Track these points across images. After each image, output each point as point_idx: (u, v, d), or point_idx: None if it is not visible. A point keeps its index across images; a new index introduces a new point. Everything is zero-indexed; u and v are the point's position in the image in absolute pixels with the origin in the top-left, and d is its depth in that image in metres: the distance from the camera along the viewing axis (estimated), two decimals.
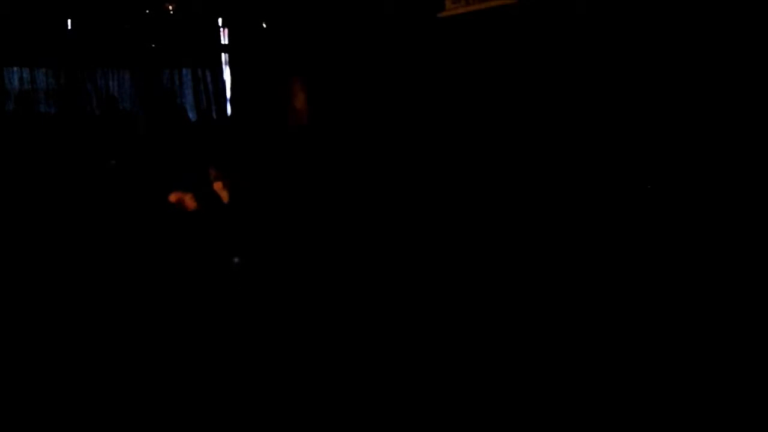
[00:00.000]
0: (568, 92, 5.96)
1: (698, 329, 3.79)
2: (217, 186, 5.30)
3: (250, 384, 3.36)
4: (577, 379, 3.26)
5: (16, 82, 7.83)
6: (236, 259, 5.58)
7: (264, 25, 8.09)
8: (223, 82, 9.23)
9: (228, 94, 9.28)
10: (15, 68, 7.80)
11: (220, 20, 9.09)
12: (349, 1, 8.04)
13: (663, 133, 5.36)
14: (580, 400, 3.07)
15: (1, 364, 3.64)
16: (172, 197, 5.13)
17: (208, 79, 9.07)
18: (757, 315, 3.83)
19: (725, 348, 3.52)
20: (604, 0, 5.71)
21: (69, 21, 7.97)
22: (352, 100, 8.11)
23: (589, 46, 5.79)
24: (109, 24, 8.09)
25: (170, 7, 7.40)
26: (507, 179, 6.44)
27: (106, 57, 8.27)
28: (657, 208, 5.18)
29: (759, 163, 4.75)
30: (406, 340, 3.87)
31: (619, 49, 5.61)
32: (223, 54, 9.25)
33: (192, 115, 9.02)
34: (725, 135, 5.03)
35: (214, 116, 9.14)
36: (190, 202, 5.14)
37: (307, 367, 3.55)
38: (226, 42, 9.23)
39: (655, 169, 5.38)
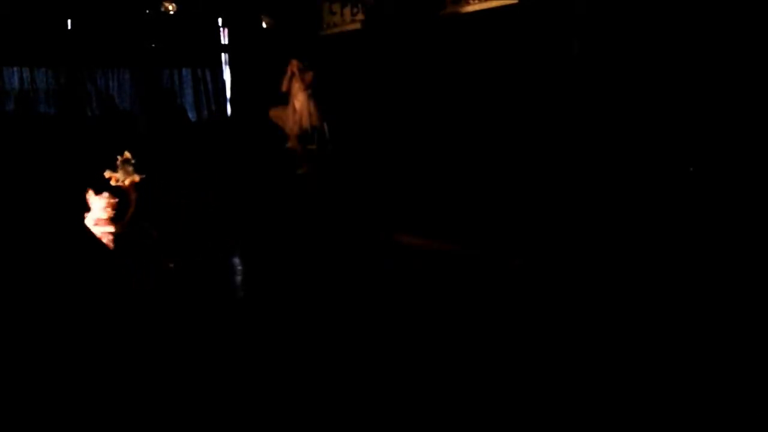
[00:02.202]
0: (568, 89, 5.96)
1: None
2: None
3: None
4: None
5: (16, 82, 7.82)
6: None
7: (264, 25, 8.08)
8: (223, 82, 9.23)
9: (228, 94, 9.28)
10: (15, 68, 7.79)
11: (220, 20, 9.09)
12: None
13: (657, 125, 5.38)
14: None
15: None
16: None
17: (208, 79, 9.06)
18: None
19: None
20: (603, 0, 5.72)
21: (69, 21, 7.96)
22: (354, 98, 8.11)
23: (589, 45, 5.79)
24: (109, 24, 8.07)
25: (170, 7, 7.39)
26: (507, 173, 6.44)
27: (106, 57, 8.26)
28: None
29: None
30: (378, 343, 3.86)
31: (619, 47, 5.61)
32: (223, 54, 9.25)
33: (192, 115, 9.01)
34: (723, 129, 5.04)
35: (214, 116, 9.14)
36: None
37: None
38: (226, 42, 9.22)
39: (639, 160, 5.40)
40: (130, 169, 5.11)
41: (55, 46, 7.86)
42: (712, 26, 5.04)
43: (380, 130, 7.86)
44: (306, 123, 7.29)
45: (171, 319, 4.59)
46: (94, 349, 3.84)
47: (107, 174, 5.07)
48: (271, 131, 7.72)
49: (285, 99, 7.36)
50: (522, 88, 6.35)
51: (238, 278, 5.58)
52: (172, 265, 5.24)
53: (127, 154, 5.11)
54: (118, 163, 5.09)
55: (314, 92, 7.29)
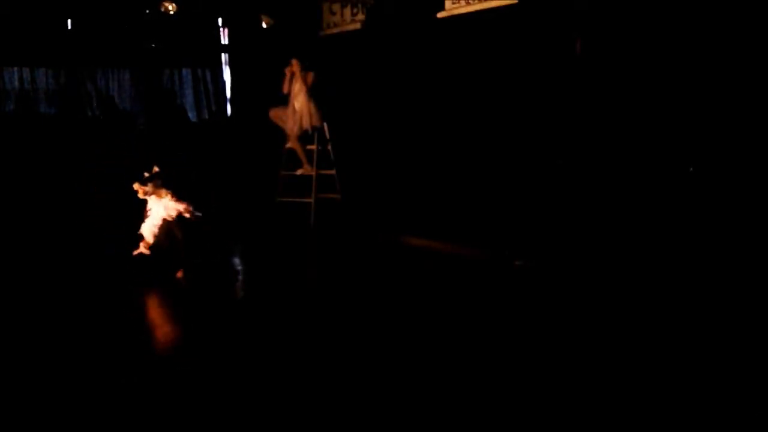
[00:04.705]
0: (570, 89, 5.96)
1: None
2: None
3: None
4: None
5: (16, 82, 7.81)
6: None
7: (264, 25, 8.07)
8: (223, 82, 9.22)
9: (228, 94, 9.28)
10: (15, 68, 7.79)
11: (220, 20, 9.08)
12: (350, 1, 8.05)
13: (658, 125, 5.39)
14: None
15: None
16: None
17: (208, 79, 9.06)
18: None
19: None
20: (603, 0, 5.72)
21: (69, 21, 7.96)
22: (354, 98, 8.12)
23: (591, 45, 5.79)
24: (109, 24, 8.07)
25: (170, 7, 7.38)
26: (508, 173, 6.46)
27: (106, 57, 8.26)
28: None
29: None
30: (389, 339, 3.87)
31: (621, 47, 5.62)
32: (223, 54, 9.25)
33: (192, 115, 9.01)
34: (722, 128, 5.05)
35: (214, 116, 9.14)
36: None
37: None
38: (226, 42, 9.22)
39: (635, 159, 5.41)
40: (159, 182, 5.12)
41: (55, 46, 7.86)
42: (713, 26, 5.04)
43: (381, 131, 7.86)
44: (306, 123, 7.28)
45: (174, 319, 4.60)
46: (94, 347, 3.84)
47: (135, 186, 5.08)
48: (271, 131, 7.72)
49: (285, 99, 7.36)
50: (524, 88, 6.36)
51: (240, 279, 5.57)
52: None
53: (156, 168, 5.13)
54: (147, 176, 5.10)
55: (314, 92, 7.28)
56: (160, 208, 5.15)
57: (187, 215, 5.19)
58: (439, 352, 3.65)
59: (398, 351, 3.69)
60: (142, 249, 5.21)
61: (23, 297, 4.83)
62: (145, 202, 5.18)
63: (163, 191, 5.12)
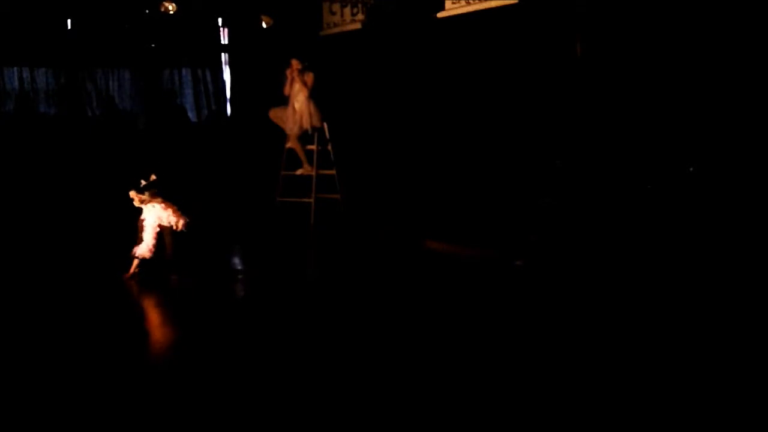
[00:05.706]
0: (571, 90, 5.97)
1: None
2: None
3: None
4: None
5: (16, 82, 7.82)
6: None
7: (264, 25, 8.08)
8: (223, 82, 9.23)
9: (228, 94, 9.28)
10: (15, 68, 7.80)
11: (220, 20, 9.09)
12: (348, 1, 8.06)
13: (658, 125, 5.39)
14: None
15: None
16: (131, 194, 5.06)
17: (208, 79, 9.07)
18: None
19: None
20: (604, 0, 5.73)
21: (69, 21, 7.97)
22: (353, 99, 8.12)
23: (590, 46, 5.80)
24: (109, 24, 8.08)
25: (170, 7, 7.38)
26: (509, 172, 6.46)
27: (106, 57, 8.27)
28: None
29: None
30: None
31: (619, 49, 5.62)
32: (223, 54, 9.25)
33: (192, 115, 9.02)
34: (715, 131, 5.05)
35: (214, 116, 9.15)
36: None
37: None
38: (226, 42, 9.23)
39: (648, 164, 5.41)
40: (156, 191, 5.06)
41: (55, 46, 7.87)
42: (713, 27, 5.05)
43: (381, 131, 7.87)
44: (306, 123, 7.27)
45: (173, 321, 4.59)
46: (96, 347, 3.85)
47: (131, 194, 5.00)
48: (271, 131, 7.72)
49: (285, 99, 7.36)
50: (524, 89, 6.36)
51: (240, 279, 5.57)
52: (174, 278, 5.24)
53: (153, 177, 5.07)
54: (144, 185, 5.04)
55: (314, 92, 7.28)
56: (154, 217, 5.10)
57: (176, 228, 5.13)
58: (439, 352, 3.65)
59: (398, 351, 3.68)
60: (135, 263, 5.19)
61: (21, 299, 4.83)
62: (139, 210, 5.11)
63: (159, 200, 5.07)
